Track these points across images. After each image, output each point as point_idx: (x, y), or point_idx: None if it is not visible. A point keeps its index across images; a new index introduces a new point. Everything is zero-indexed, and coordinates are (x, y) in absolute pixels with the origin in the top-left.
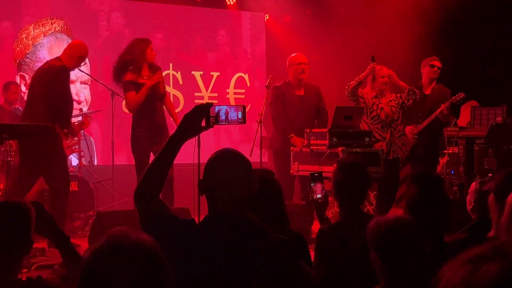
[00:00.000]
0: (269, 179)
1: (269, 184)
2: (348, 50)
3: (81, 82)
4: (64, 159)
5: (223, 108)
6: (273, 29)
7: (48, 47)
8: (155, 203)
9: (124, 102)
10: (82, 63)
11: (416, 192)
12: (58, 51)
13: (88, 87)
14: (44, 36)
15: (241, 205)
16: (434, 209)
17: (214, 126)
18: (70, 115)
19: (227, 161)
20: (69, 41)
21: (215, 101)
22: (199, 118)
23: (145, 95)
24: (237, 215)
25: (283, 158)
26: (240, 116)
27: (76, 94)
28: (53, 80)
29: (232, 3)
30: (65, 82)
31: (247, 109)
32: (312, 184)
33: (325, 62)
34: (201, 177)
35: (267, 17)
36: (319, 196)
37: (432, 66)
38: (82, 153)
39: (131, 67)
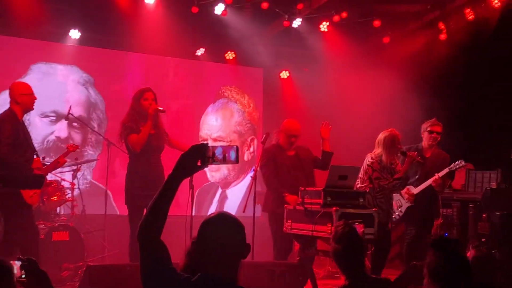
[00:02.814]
0: None
1: None
2: (346, 107)
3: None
4: (27, 206)
5: (218, 148)
6: (271, 84)
7: None
8: (157, 243)
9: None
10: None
11: (436, 258)
12: None
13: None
14: None
15: (232, 269)
16: (457, 274)
17: (208, 165)
18: (23, 165)
19: (220, 225)
20: None
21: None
22: (195, 157)
23: (148, 131)
24: (228, 279)
25: (278, 218)
26: (233, 156)
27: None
28: None
29: (231, 57)
30: (11, 129)
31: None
32: None
33: (322, 119)
34: (194, 235)
35: (265, 72)
36: None
37: (431, 132)
38: (74, 202)
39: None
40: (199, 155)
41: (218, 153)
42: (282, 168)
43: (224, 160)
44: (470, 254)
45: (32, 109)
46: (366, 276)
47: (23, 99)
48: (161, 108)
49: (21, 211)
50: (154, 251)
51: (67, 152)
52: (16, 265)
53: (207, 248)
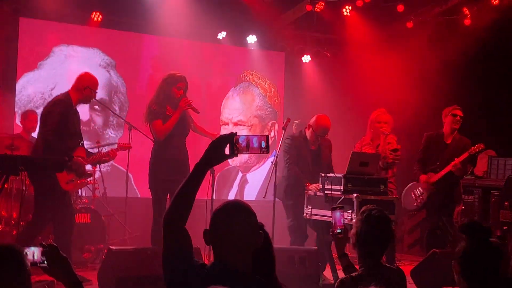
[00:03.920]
0: None
1: None
2: (365, 94)
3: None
4: (61, 192)
5: (245, 137)
6: (292, 68)
7: None
8: (181, 231)
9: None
10: (93, 95)
11: (465, 243)
12: None
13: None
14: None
15: (245, 258)
16: (484, 260)
17: (238, 154)
18: (64, 152)
19: (233, 214)
20: None
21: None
22: (223, 146)
23: (175, 122)
24: (241, 268)
25: (291, 206)
26: (263, 145)
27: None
28: (47, 112)
29: (253, 41)
30: (61, 115)
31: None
32: (333, 218)
33: (343, 104)
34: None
35: (286, 57)
36: (339, 231)
37: (454, 115)
38: (96, 185)
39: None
40: (227, 144)
41: (245, 141)
42: (303, 162)
43: (252, 149)
44: None
45: (87, 103)
46: (380, 265)
47: (87, 93)
48: (195, 108)
49: (54, 196)
50: (178, 239)
51: (117, 149)
52: (37, 250)
53: (219, 236)
